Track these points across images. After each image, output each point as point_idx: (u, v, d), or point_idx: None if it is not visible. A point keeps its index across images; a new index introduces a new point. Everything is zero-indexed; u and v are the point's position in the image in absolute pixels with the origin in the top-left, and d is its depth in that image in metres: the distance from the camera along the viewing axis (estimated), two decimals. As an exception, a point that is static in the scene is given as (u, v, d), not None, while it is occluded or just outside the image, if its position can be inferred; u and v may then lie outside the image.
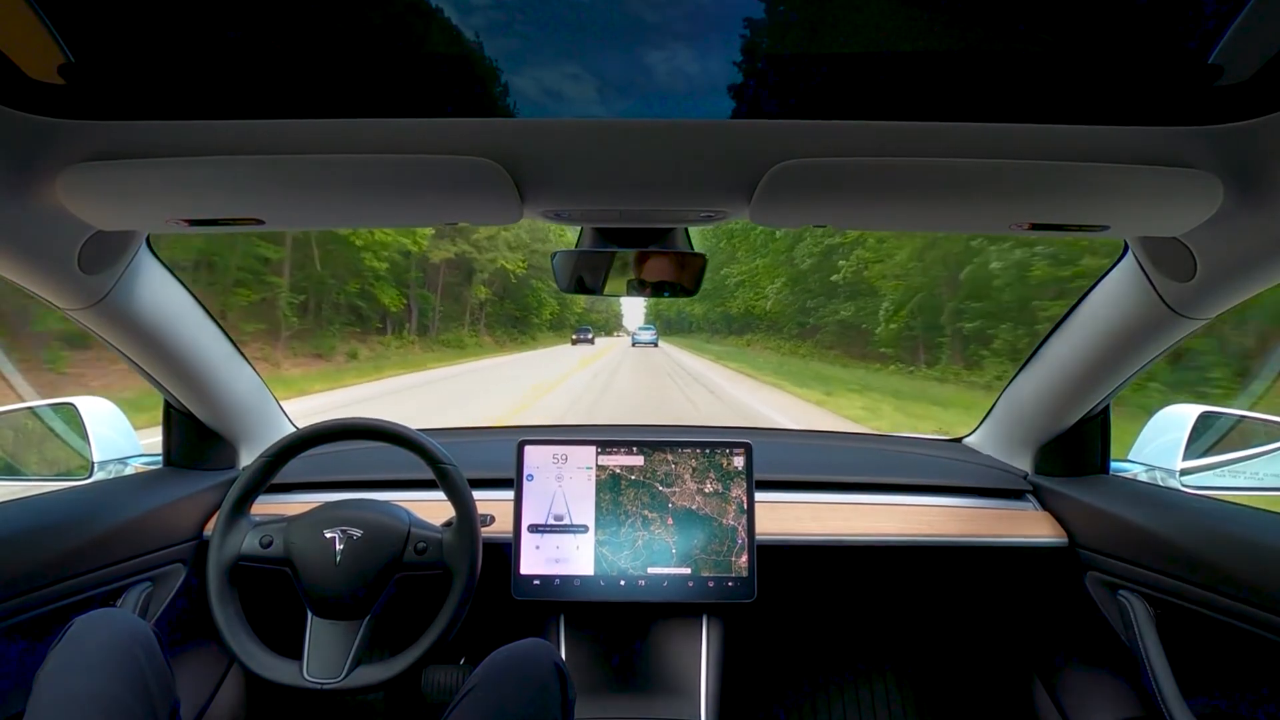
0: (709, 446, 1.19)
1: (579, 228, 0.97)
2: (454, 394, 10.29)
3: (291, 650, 0.97)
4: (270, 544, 1.00)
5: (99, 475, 1.28)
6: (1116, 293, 1.03)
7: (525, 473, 1.18)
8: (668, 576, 1.14)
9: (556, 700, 0.85)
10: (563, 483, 1.18)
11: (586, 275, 0.98)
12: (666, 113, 0.65)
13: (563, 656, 1.07)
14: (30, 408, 1.41)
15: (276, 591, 1.17)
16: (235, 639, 0.97)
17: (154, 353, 1.10)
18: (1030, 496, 1.31)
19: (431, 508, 1.11)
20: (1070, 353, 1.15)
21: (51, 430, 1.38)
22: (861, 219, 0.85)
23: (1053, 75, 0.62)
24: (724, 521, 1.15)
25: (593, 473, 1.18)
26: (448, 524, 1.04)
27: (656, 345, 30.11)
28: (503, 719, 0.81)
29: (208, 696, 1.29)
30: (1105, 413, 1.25)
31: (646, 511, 1.16)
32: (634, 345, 28.88)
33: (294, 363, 14.04)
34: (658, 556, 1.14)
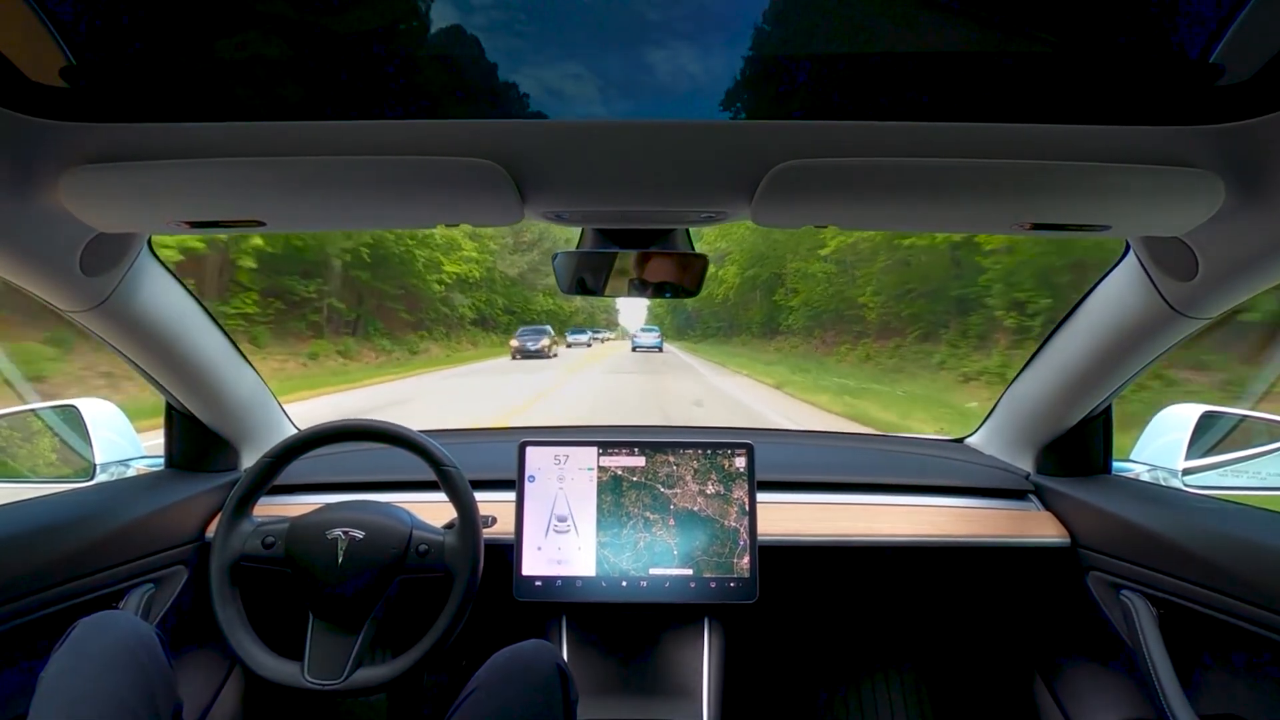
0: (710, 447, 1.18)
1: (580, 228, 0.97)
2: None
3: (293, 651, 0.97)
4: (272, 545, 1.00)
5: (101, 477, 1.28)
6: (1118, 292, 1.03)
7: (527, 474, 1.18)
8: (669, 578, 1.14)
9: (558, 701, 0.85)
10: (564, 484, 1.18)
11: (588, 276, 0.98)
12: (668, 113, 0.65)
13: (564, 658, 1.07)
14: (33, 409, 1.41)
15: (278, 593, 1.17)
16: (237, 640, 0.97)
17: (156, 355, 1.10)
18: (1032, 496, 1.31)
19: (433, 509, 1.11)
20: (1072, 353, 1.15)
21: (54, 432, 1.39)
22: (863, 219, 0.85)
23: (1054, 75, 0.62)
24: (726, 523, 1.15)
25: (594, 474, 1.18)
26: (449, 525, 1.03)
27: (661, 350, 24.70)
28: None
29: (210, 698, 1.29)
30: (1107, 412, 1.25)
31: (648, 513, 1.16)
32: (634, 350, 24.41)
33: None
34: (659, 558, 1.14)
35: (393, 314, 18.56)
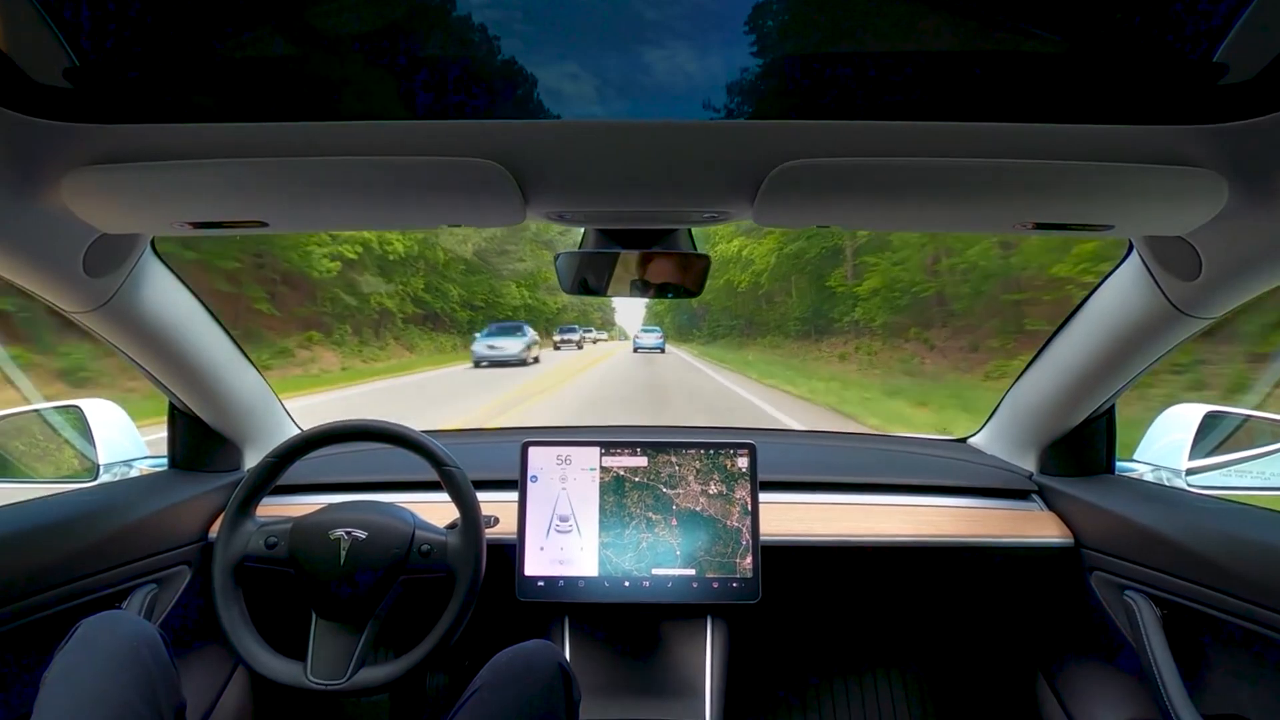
0: (713, 448, 1.18)
1: (583, 228, 0.97)
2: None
3: (296, 652, 0.98)
4: (275, 545, 1.00)
5: (104, 477, 1.28)
6: (1121, 292, 1.02)
7: (529, 474, 1.18)
8: (672, 578, 1.13)
9: (561, 701, 0.85)
10: (567, 484, 1.18)
11: (590, 276, 0.98)
12: (669, 113, 0.65)
13: (567, 658, 1.07)
14: (36, 410, 1.41)
15: (281, 593, 1.17)
16: (239, 640, 0.97)
17: (159, 355, 1.10)
18: (1035, 497, 1.31)
19: (436, 509, 1.11)
20: (1075, 352, 1.15)
21: (57, 433, 1.39)
22: (865, 219, 0.85)
23: (1057, 74, 0.62)
24: (728, 523, 1.15)
25: (596, 474, 1.18)
26: (452, 526, 1.04)
27: (664, 351, 21.61)
28: None
29: (213, 698, 1.30)
30: (1110, 412, 1.25)
31: (650, 513, 1.16)
32: (636, 351, 21.40)
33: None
34: (662, 558, 1.14)
35: (243, 306, 11.44)
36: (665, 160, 0.72)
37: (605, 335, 42.32)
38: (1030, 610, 1.38)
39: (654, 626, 1.22)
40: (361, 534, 0.98)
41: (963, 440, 1.56)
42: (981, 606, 1.47)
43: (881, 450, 1.55)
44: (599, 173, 0.75)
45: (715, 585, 1.13)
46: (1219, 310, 0.92)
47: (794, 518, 1.24)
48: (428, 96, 0.65)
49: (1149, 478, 1.29)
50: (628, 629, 1.22)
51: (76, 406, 1.33)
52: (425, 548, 1.00)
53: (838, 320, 15.31)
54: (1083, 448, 1.28)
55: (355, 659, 0.96)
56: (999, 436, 1.45)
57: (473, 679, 0.87)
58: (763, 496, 1.19)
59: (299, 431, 1.23)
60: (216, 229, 0.85)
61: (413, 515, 1.04)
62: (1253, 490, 1.24)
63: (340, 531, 0.98)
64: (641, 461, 1.18)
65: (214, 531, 1.21)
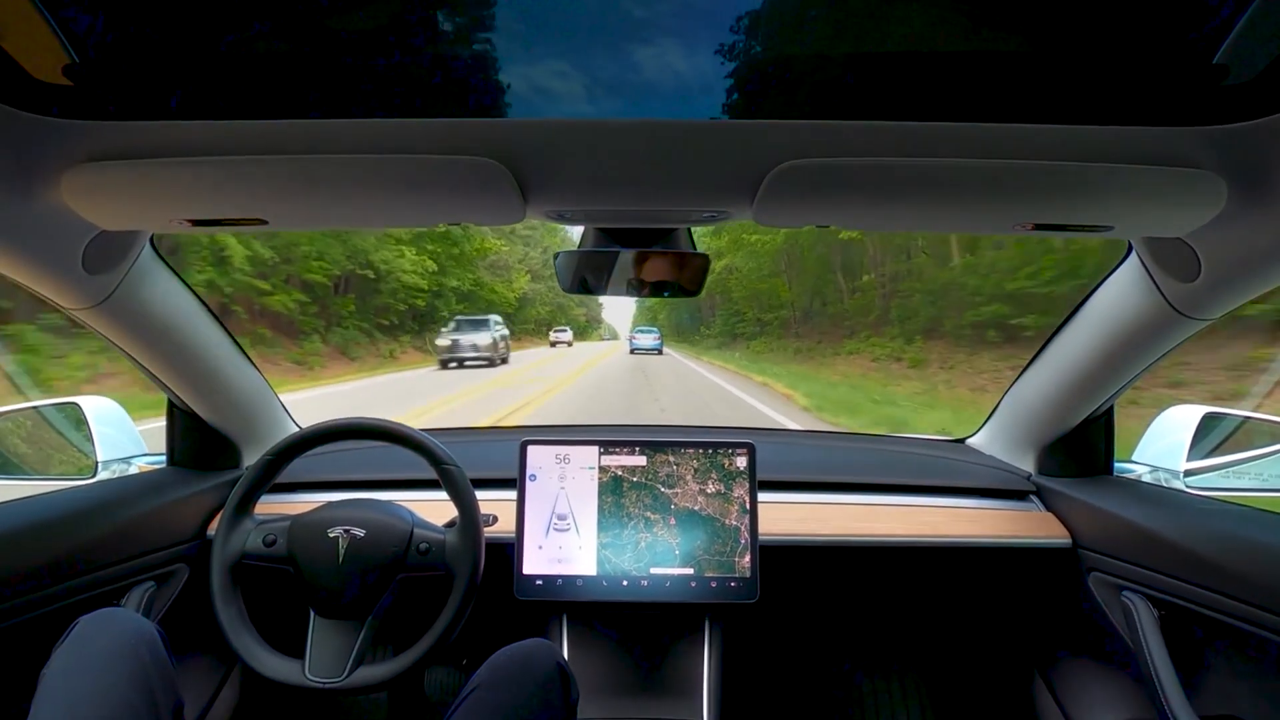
0: (711, 447, 1.18)
1: (582, 227, 0.97)
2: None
3: (294, 650, 0.98)
4: (273, 543, 1.00)
5: (103, 475, 1.28)
6: (1120, 293, 1.02)
7: (528, 473, 1.18)
8: (670, 577, 1.14)
9: (559, 700, 0.85)
10: (565, 483, 1.18)
11: (589, 275, 0.98)
12: (670, 112, 0.65)
13: (565, 657, 1.07)
14: (34, 407, 1.41)
15: (279, 591, 1.17)
16: (238, 638, 0.97)
17: (158, 352, 1.10)
18: (1034, 497, 1.31)
19: (434, 508, 1.11)
20: (1074, 353, 1.15)
21: (56, 430, 1.39)
22: (865, 219, 0.85)
23: (1057, 75, 0.62)
24: (726, 522, 1.15)
25: (595, 473, 1.18)
26: (450, 524, 1.04)
27: (661, 352, 20.27)
28: (505, 719, 0.81)
29: (211, 696, 1.30)
30: (1109, 413, 1.25)
31: (649, 513, 1.16)
32: (632, 352, 20.13)
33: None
34: (660, 557, 1.14)
35: None
36: (665, 159, 0.72)
37: (567, 336, 29.74)
38: (1028, 610, 1.39)
39: (652, 626, 1.22)
40: (360, 532, 0.98)
41: (961, 441, 1.56)
42: (979, 607, 1.47)
43: (880, 450, 1.55)
44: (598, 172, 0.75)
45: (713, 584, 1.13)
46: (1218, 312, 0.92)
47: (792, 517, 1.24)
48: (427, 94, 0.65)
49: (1147, 479, 1.29)
50: (626, 628, 1.22)
51: (75, 403, 1.33)
52: (424, 546, 1.00)
53: None
54: (1081, 448, 1.28)
55: (353, 657, 0.96)
56: (997, 437, 1.45)
57: (471, 677, 0.87)
58: (761, 496, 1.19)
59: (297, 429, 1.23)
60: (215, 226, 0.85)
61: (411, 514, 1.04)
62: (1250, 491, 1.24)
63: (339, 529, 0.98)
64: (640, 461, 1.18)
65: (212, 529, 1.21)
